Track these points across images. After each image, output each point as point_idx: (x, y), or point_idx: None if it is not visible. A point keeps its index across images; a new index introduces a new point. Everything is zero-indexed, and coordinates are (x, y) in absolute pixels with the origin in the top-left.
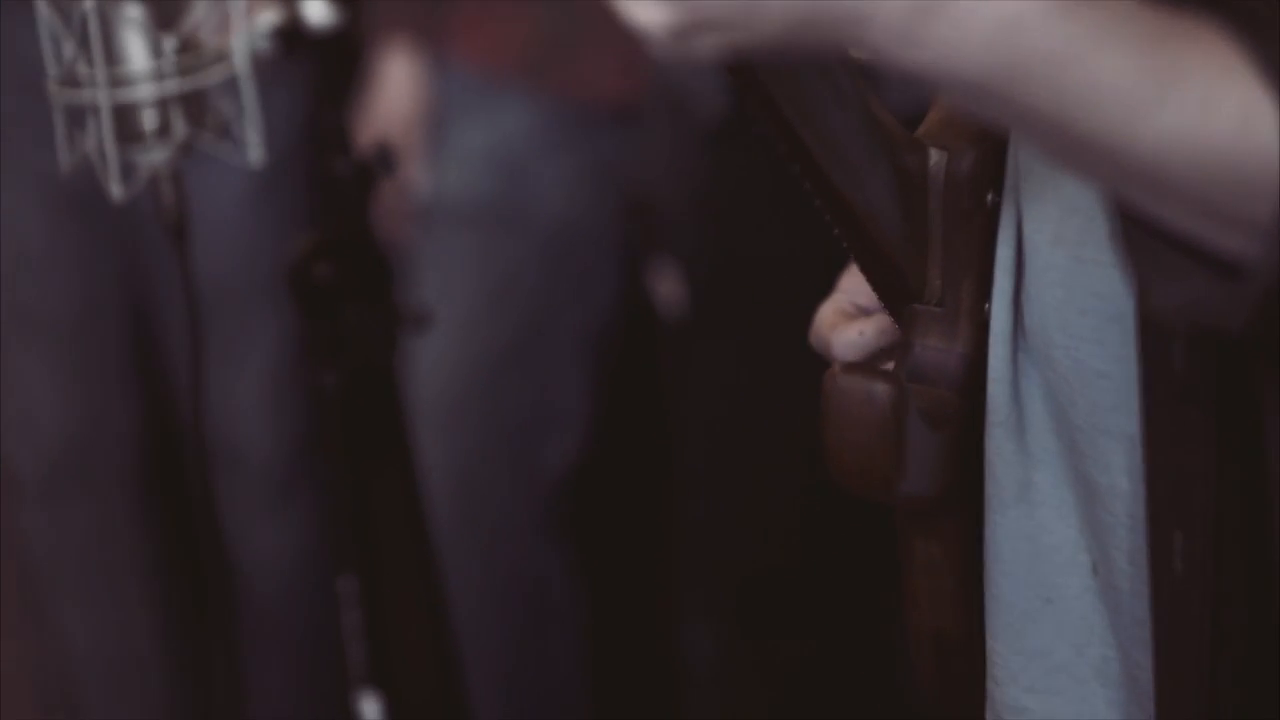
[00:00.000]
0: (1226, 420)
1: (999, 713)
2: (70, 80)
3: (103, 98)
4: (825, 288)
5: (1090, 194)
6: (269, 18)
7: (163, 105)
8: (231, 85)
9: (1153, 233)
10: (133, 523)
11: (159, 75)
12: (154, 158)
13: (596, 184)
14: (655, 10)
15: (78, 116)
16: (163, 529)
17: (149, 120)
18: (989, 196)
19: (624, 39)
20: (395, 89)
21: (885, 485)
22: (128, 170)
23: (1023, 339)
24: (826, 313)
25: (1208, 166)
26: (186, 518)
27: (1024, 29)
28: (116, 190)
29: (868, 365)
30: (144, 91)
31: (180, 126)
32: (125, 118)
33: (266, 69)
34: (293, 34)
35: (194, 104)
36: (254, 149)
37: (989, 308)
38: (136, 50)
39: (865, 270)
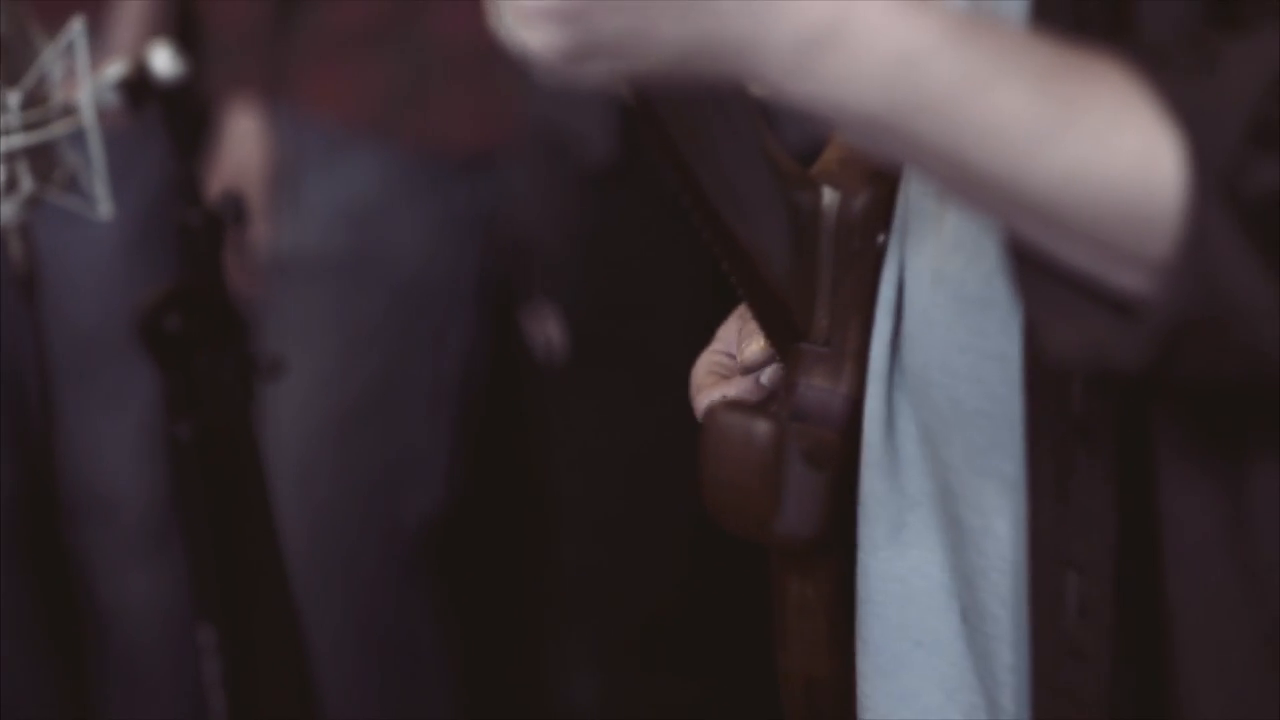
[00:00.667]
0: (1124, 460)
1: None
2: None
3: None
4: (707, 329)
5: (974, 232)
6: (115, 70)
7: (9, 160)
8: (79, 139)
9: (1049, 272)
10: (5, 573)
11: (4, 130)
12: (1, 213)
13: (452, 234)
14: (545, 35)
15: None
16: (37, 579)
17: None
18: (880, 237)
19: (478, 89)
20: (242, 143)
21: (760, 525)
22: None
23: (900, 378)
24: (700, 371)
25: (1105, 203)
26: (58, 568)
27: (918, 62)
28: None
29: (750, 403)
30: None
31: (27, 181)
32: None
33: (136, 124)
34: (140, 86)
35: (41, 158)
36: (102, 203)
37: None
38: None
39: (752, 307)
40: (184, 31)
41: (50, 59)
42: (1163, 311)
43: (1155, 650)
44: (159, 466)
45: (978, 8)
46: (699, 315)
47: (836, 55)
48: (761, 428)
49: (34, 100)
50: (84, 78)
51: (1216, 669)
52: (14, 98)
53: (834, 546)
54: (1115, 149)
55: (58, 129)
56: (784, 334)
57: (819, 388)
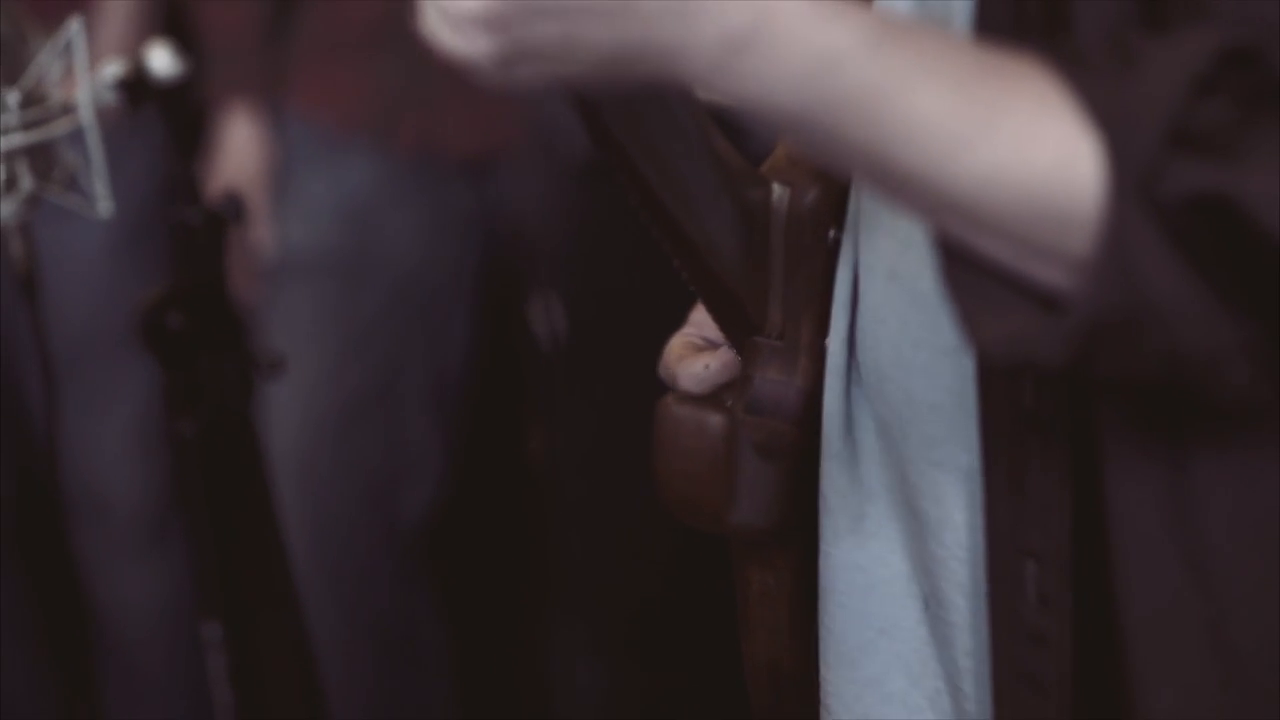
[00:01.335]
0: (1077, 451)
1: None
2: None
3: None
4: None
5: (926, 229)
6: (114, 69)
7: (8, 159)
8: (78, 137)
9: (976, 267)
10: (3, 573)
11: (3, 129)
12: (1, 212)
13: (450, 233)
14: (473, 42)
15: None
16: (33, 578)
17: None
18: (830, 233)
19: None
20: (239, 144)
21: (715, 517)
22: None
23: (856, 374)
24: (674, 345)
25: (1026, 201)
26: (56, 567)
27: (840, 63)
28: None
29: (704, 396)
30: None
31: (26, 180)
32: None
33: (125, 122)
34: (138, 85)
35: (40, 157)
36: (102, 201)
37: (829, 342)
38: None
39: (706, 302)
40: (182, 34)
41: (48, 58)
42: (1083, 308)
43: (1111, 637)
44: (153, 464)
45: (924, 8)
46: (688, 307)
47: (756, 56)
48: (714, 420)
49: (32, 99)
50: (82, 77)
51: (1166, 656)
52: (13, 97)
53: (794, 536)
54: (1035, 151)
55: (56, 128)
56: (738, 328)
57: (773, 380)
